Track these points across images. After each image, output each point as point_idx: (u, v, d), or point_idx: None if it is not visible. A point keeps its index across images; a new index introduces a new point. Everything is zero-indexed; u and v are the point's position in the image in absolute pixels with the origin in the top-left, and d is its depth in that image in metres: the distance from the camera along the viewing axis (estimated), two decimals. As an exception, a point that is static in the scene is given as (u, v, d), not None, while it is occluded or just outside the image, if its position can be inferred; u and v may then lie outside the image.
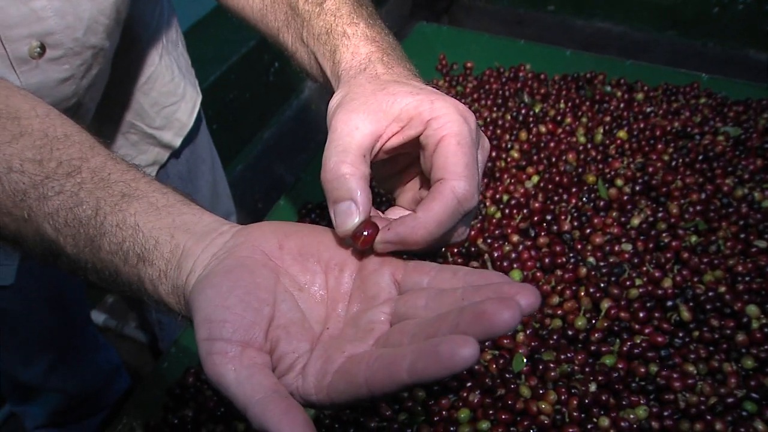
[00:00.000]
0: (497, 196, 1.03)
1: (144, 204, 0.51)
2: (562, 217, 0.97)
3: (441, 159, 0.50)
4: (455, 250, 0.94)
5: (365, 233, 0.49)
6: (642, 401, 0.77)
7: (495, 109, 1.23)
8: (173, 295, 0.49)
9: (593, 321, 0.85)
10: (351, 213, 0.49)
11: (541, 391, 0.78)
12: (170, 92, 1.00)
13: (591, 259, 0.91)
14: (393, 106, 0.52)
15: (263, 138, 2.16)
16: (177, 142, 1.04)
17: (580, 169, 1.06)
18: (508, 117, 1.20)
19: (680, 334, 0.82)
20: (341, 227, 0.49)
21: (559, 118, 1.18)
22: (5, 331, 1.12)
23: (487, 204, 1.02)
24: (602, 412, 0.76)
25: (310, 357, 0.44)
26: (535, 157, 1.09)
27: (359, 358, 0.42)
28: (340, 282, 0.49)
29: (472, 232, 0.95)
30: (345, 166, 0.50)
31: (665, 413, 0.76)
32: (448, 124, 0.51)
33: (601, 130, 1.14)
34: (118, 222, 0.50)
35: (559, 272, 0.91)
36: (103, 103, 0.89)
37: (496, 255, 0.93)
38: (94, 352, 1.31)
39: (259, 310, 0.44)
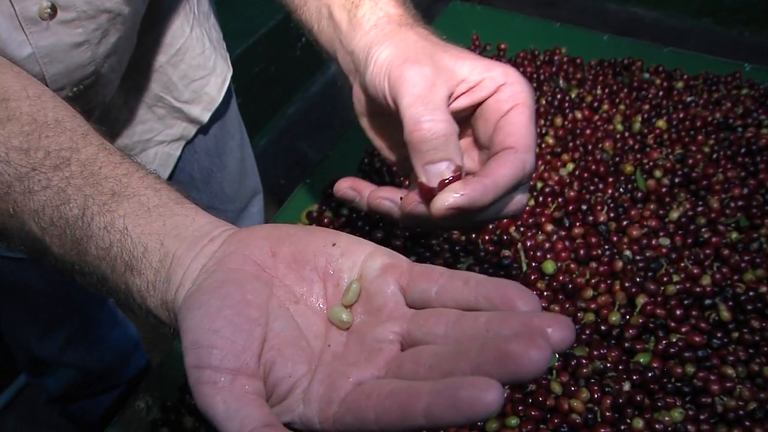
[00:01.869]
0: (531, 183, 1.00)
1: (134, 204, 0.48)
2: (598, 208, 0.94)
3: (513, 127, 0.49)
4: (486, 238, 0.91)
5: (450, 177, 0.50)
6: (678, 403, 0.74)
7: (529, 92, 1.19)
8: (163, 310, 0.46)
9: (628, 317, 0.82)
10: (445, 174, 0.49)
11: (573, 389, 0.75)
12: (200, 65, 0.97)
13: (627, 253, 0.88)
14: (462, 67, 0.51)
15: (287, 113, 2.14)
16: (205, 117, 1.01)
17: (617, 158, 1.02)
18: (543, 102, 1.16)
19: (719, 335, 0.79)
20: (433, 183, 0.50)
21: (595, 104, 1.14)
22: (22, 305, 1.11)
23: (521, 191, 0.99)
24: (636, 413, 0.73)
25: (311, 380, 0.41)
26: (570, 144, 1.06)
27: (369, 390, 0.38)
28: (339, 290, 0.45)
29: (505, 220, 0.92)
30: (442, 125, 0.48)
31: (702, 417, 0.73)
32: (521, 94, 0.49)
33: (640, 119, 1.10)
34: (106, 224, 0.47)
35: (593, 265, 0.88)
36: (128, 74, 0.86)
37: (529, 244, 0.90)
38: (112, 327, 1.29)
39: (250, 332, 0.41)
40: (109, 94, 0.82)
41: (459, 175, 0.50)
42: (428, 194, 0.51)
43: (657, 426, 0.72)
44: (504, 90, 0.49)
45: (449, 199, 0.49)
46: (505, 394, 0.75)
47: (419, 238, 0.93)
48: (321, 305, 0.45)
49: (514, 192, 0.52)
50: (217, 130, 1.07)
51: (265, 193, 1.27)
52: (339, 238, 0.46)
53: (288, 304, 0.44)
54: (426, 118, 0.48)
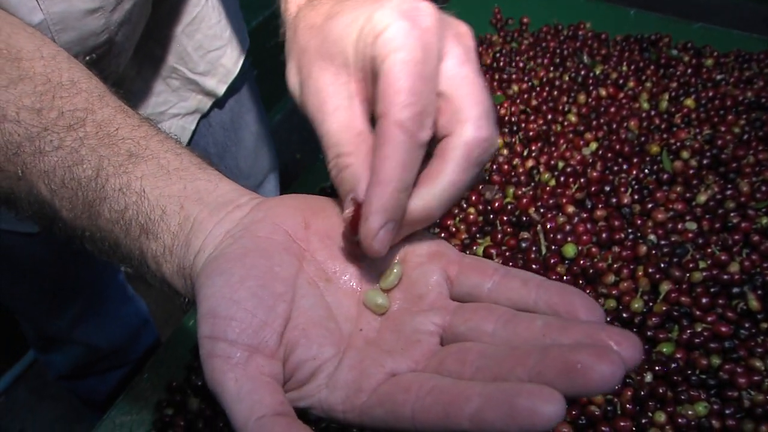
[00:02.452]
0: (552, 162, 0.96)
1: (153, 166, 0.44)
2: (622, 189, 0.90)
3: (380, 90, 0.38)
4: (505, 219, 0.88)
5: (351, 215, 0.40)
6: (702, 397, 0.70)
7: (552, 68, 1.16)
8: (179, 277, 0.43)
9: (651, 304, 0.78)
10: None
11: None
12: (216, 35, 0.93)
13: (652, 237, 0.84)
14: (344, 50, 0.41)
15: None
16: (221, 89, 0.98)
17: (642, 138, 0.98)
18: (566, 78, 1.12)
19: (746, 325, 0.75)
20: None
21: (621, 81, 1.10)
22: (31, 281, 1.09)
23: (541, 170, 0.95)
24: (658, 406, 0.70)
25: (339, 365, 0.37)
26: (594, 123, 1.02)
27: (407, 383, 0.35)
28: (375, 273, 0.41)
29: (524, 200, 0.89)
30: (343, 158, 0.40)
31: (727, 411, 0.69)
32: (389, 42, 0.38)
33: (667, 97, 1.06)
34: (121, 186, 0.44)
35: (616, 249, 0.84)
36: (142, 43, 0.83)
37: (549, 226, 0.86)
38: (121, 304, 1.28)
39: (274, 307, 0.37)
40: (123, 64, 0.79)
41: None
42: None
43: (680, 420, 0.68)
44: (375, 52, 0.39)
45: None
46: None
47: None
48: (355, 286, 0.41)
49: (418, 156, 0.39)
50: (233, 103, 1.04)
51: (280, 168, 1.24)
52: None
53: (318, 281, 0.40)
54: (329, 157, 0.41)
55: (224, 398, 0.34)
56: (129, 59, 0.81)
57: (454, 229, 0.89)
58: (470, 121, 0.39)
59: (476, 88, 0.40)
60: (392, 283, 0.41)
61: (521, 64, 1.17)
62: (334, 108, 0.41)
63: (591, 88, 1.09)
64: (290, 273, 0.39)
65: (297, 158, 2.02)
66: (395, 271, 0.41)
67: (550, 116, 1.03)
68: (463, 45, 0.41)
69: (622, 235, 0.84)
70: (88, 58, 0.69)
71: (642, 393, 0.70)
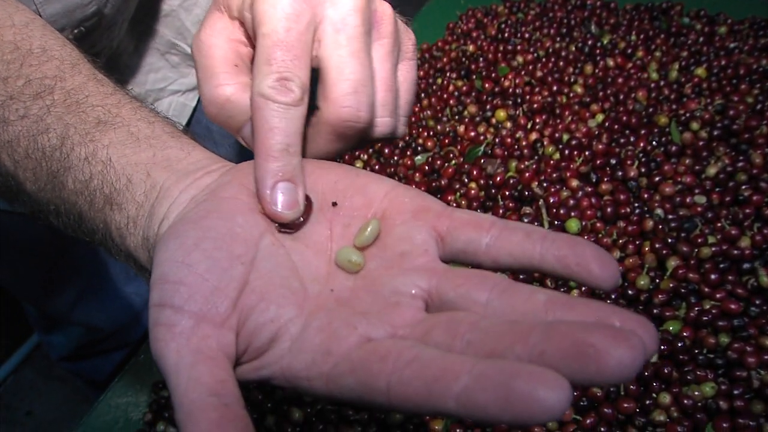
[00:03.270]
0: (556, 134, 0.93)
1: (122, 134, 0.42)
2: (629, 162, 0.87)
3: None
4: (506, 194, 0.85)
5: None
6: (710, 377, 0.68)
7: (558, 39, 1.12)
8: (143, 249, 0.40)
9: (657, 281, 0.76)
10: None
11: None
12: None
13: (659, 211, 0.81)
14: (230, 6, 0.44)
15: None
16: None
17: (650, 109, 0.95)
18: (573, 48, 1.09)
19: (757, 302, 0.72)
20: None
21: (629, 51, 1.07)
22: (31, 261, 1.08)
23: (545, 143, 0.92)
24: (663, 387, 0.67)
25: (305, 327, 0.34)
26: (600, 94, 0.98)
27: (383, 351, 0.31)
28: (350, 233, 0.38)
29: (527, 174, 0.86)
30: (221, 89, 0.41)
31: (735, 392, 0.67)
32: (259, 13, 0.40)
33: (677, 66, 1.02)
34: (87, 155, 0.41)
35: (621, 224, 0.81)
36: (139, 18, 0.81)
37: (552, 201, 0.83)
38: (122, 284, 1.26)
39: (229, 270, 0.34)
40: (117, 38, 0.77)
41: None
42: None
43: (686, 401, 0.66)
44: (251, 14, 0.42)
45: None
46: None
47: (432, 193, 0.87)
48: (326, 246, 0.38)
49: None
50: None
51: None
52: (354, 173, 0.40)
53: (285, 241, 0.38)
54: (204, 91, 0.43)
55: (164, 370, 0.32)
56: (125, 34, 0.79)
57: (454, 204, 0.86)
58: (331, 99, 0.40)
59: (346, 60, 0.40)
60: (368, 240, 0.37)
61: (527, 35, 1.13)
62: (213, 46, 0.43)
63: (598, 58, 1.06)
64: (253, 234, 0.37)
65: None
66: (371, 227, 0.37)
67: (555, 87, 1.00)
68: (340, 11, 0.41)
69: (628, 210, 0.81)
70: (76, 31, 0.67)
71: (646, 373, 0.68)
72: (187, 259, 0.34)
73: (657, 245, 0.77)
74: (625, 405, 0.66)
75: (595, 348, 0.26)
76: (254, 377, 0.35)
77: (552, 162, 0.89)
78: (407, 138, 0.98)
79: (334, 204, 0.39)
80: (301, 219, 0.39)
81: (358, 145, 0.44)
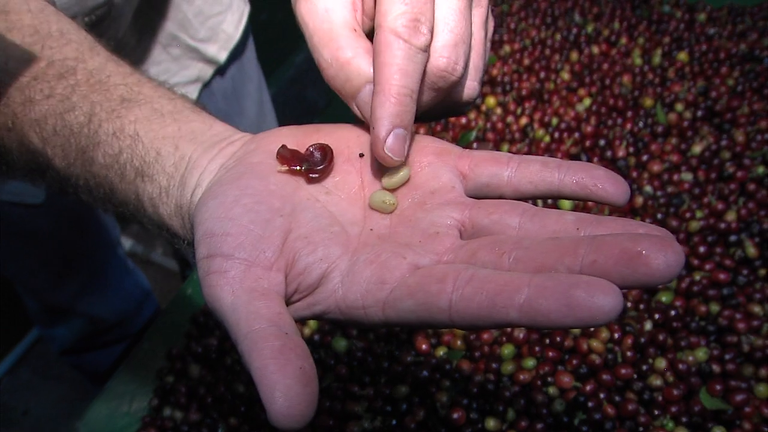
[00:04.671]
0: (546, 119, 0.95)
1: (146, 110, 0.44)
2: (617, 143, 0.90)
3: (377, 3, 0.39)
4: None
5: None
6: (702, 342, 0.70)
7: (543, 28, 1.15)
8: (177, 217, 0.42)
9: (649, 255, 0.78)
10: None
11: (591, 328, 0.72)
12: (216, 0, 0.92)
13: (648, 188, 0.84)
14: None
15: (295, 62, 2.08)
16: (222, 56, 0.97)
17: (636, 93, 0.98)
18: (558, 37, 1.11)
19: (744, 272, 0.75)
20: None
21: (613, 38, 1.09)
22: (34, 252, 1.08)
23: (535, 127, 0.95)
24: (659, 353, 0.70)
25: (354, 261, 0.35)
26: (587, 79, 1.01)
27: (440, 273, 0.32)
28: (380, 181, 0.40)
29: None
30: (342, 51, 0.40)
31: (727, 356, 0.70)
32: None
33: (660, 52, 1.05)
34: (114, 130, 0.43)
35: (612, 202, 0.83)
36: (142, 10, 0.82)
37: (544, 182, 0.85)
38: (123, 276, 1.27)
39: (271, 220, 0.36)
40: (121, 30, 0.78)
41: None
42: None
43: (680, 366, 0.68)
44: None
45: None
46: (523, 332, 0.72)
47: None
48: (358, 194, 0.40)
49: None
50: (234, 71, 1.02)
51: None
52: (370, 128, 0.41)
53: (318, 195, 0.39)
54: (324, 54, 0.41)
55: (221, 312, 0.33)
56: (128, 27, 0.80)
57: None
58: (432, 47, 0.39)
59: (453, 14, 0.39)
60: (399, 182, 0.39)
61: (512, 26, 1.16)
62: (330, 9, 0.41)
63: (583, 45, 1.08)
64: (287, 190, 0.38)
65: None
66: (402, 172, 0.39)
67: (542, 74, 1.03)
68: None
69: (618, 188, 0.84)
70: (87, 19, 0.68)
71: (642, 340, 0.70)
72: (229, 214, 0.36)
73: (647, 221, 0.80)
74: (623, 371, 0.69)
75: (644, 253, 0.29)
76: (308, 314, 0.36)
77: (543, 145, 0.91)
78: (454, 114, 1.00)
79: (361, 155, 0.41)
80: (325, 165, 0.40)
81: (442, 109, 0.44)
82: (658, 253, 0.28)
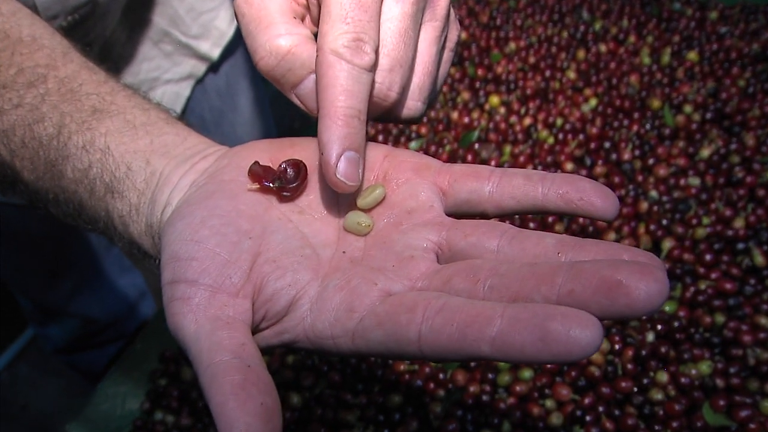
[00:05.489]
0: (550, 119, 0.93)
1: (118, 122, 0.42)
2: (623, 145, 0.87)
3: (320, 22, 0.37)
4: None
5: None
6: (706, 355, 0.68)
7: (550, 25, 1.12)
8: (147, 237, 0.40)
9: (653, 262, 0.76)
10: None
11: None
12: None
13: (653, 193, 0.81)
14: None
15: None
16: (215, 53, 0.95)
17: (643, 93, 0.95)
18: (565, 34, 1.09)
19: (752, 281, 0.73)
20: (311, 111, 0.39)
21: (621, 36, 1.07)
22: (27, 253, 1.07)
23: (539, 128, 0.93)
24: (660, 366, 0.68)
25: (324, 286, 0.34)
26: (593, 79, 0.99)
27: (410, 302, 0.30)
28: (355, 199, 0.38)
29: (522, 158, 0.86)
30: (282, 39, 0.38)
31: (732, 370, 0.67)
32: None
33: (669, 51, 1.02)
34: (84, 143, 0.41)
35: (616, 206, 0.81)
36: (131, 6, 0.80)
37: (546, 185, 0.83)
38: (118, 276, 1.26)
39: (239, 243, 0.34)
40: (110, 27, 0.76)
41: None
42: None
43: (683, 380, 0.66)
44: None
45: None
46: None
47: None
48: (332, 214, 0.38)
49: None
50: (228, 68, 1.01)
51: (278, 137, 1.21)
52: None
53: (290, 215, 0.38)
54: (260, 43, 0.39)
55: (184, 342, 0.32)
56: (118, 23, 0.78)
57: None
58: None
59: (391, 35, 0.38)
60: (374, 202, 0.37)
61: (519, 22, 1.13)
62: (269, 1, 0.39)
63: (590, 43, 1.06)
64: (257, 210, 0.37)
65: (295, 128, 2.00)
66: (376, 191, 0.37)
67: (548, 73, 1.00)
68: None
69: (623, 192, 0.82)
70: (70, 18, 0.67)
71: (643, 352, 0.68)
72: (195, 237, 0.34)
73: (652, 227, 0.77)
74: (623, 384, 0.66)
75: (624, 283, 0.27)
76: (277, 342, 0.35)
77: (546, 146, 0.89)
78: (401, 124, 0.98)
79: None
80: (298, 183, 0.38)
81: (378, 120, 0.43)
82: (639, 282, 0.26)
